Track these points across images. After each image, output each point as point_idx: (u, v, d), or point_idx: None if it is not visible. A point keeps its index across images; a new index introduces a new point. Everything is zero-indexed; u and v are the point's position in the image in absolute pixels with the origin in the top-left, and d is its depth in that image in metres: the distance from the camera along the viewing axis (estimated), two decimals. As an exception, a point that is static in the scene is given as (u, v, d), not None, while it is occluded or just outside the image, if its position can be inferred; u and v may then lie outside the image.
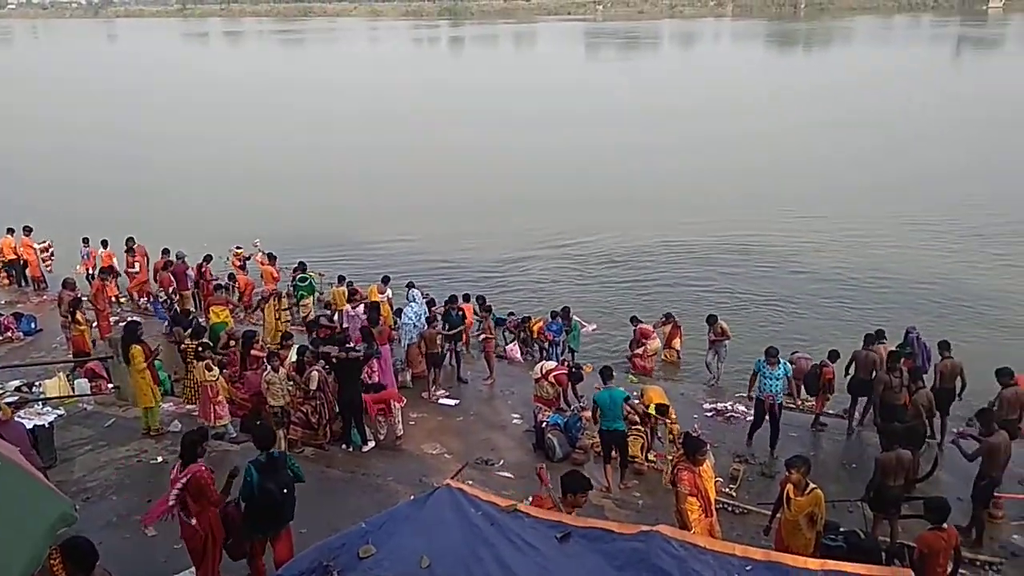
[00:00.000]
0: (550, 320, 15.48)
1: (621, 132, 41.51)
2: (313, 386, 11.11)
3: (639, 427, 11.08)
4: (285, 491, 7.28)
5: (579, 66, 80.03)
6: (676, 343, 15.66)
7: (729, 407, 13.14)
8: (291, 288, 17.13)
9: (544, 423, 11.56)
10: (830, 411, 12.82)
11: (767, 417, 11.42)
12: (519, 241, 24.42)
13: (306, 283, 17.15)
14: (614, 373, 10.76)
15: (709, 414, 12.96)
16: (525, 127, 44.71)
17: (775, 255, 22.33)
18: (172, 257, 17.61)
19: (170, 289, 17.31)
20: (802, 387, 12.79)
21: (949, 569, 7.10)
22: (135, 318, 14.71)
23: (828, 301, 18.95)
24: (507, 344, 16.12)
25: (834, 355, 12.60)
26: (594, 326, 16.36)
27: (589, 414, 11.31)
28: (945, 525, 7.06)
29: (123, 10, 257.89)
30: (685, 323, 16.12)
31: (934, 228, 24.32)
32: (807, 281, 20.29)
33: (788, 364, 11.39)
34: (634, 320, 15.77)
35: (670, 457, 9.89)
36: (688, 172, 33.05)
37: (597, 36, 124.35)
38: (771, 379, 11.12)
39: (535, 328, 15.64)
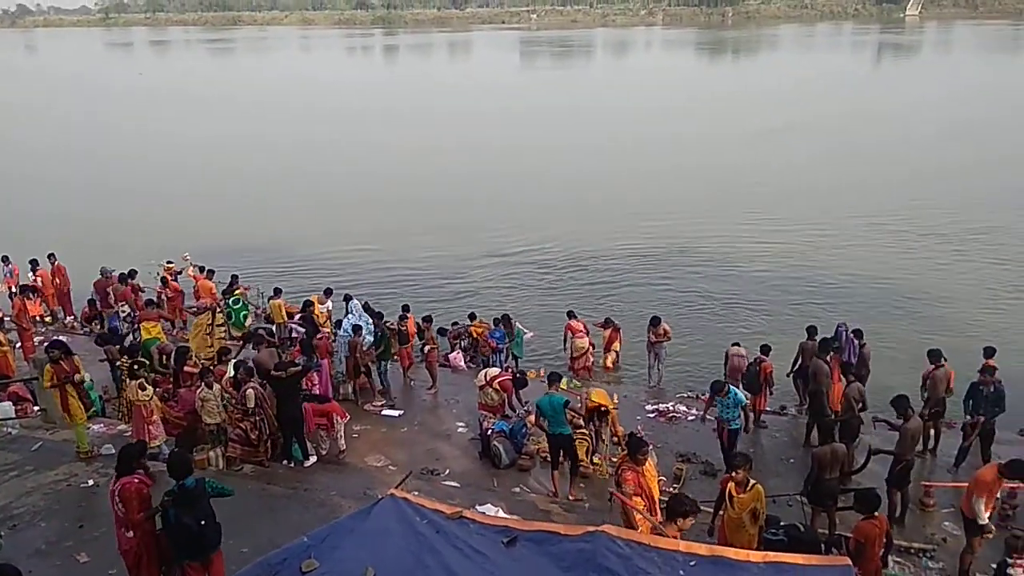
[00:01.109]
0: (493, 327, 15.46)
1: (555, 136, 42.05)
2: (251, 404, 10.85)
3: (583, 430, 11.15)
4: (203, 523, 6.98)
5: (514, 72, 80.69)
6: (616, 346, 15.75)
7: (671, 407, 13.34)
8: (224, 310, 16.56)
9: (490, 430, 11.54)
10: (768, 408, 13.13)
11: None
12: (460, 248, 24.39)
13: (239, 304, 16.70)
14: (560, 377, 10.82)
15: (651, 415, 13.14)
16: (462, 130, 44.87)
17: (713, 257, 22.85)
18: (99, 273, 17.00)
19: (127, 302, 16.57)
20: (740, 384, 13.08)
21: (881, 554, 7.37)
22: (59, 338, 14.09)
23: (766, 300, 19.44)
24: (450, 352, 16.04)
25: (766, 349, 12.92)
26: (532, 333, 16.33)
27: (534, 419, 11.34)
28: (876, 514, 7.32)
29: (42, 19, 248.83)
30: (628, 326, 16.29)
31: (873, 228, 25.19)
32: (747, 282, 20.77)
33: (740, 394, 11.16)
34: (570, 314, 15.56)
35: (614, 459, 9.99)
36: (624, 175, 33.74)
37: (532, 44, 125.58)
38: (723, 407, 10.96)
39: (477, 333, 15.59)
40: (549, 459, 10.61)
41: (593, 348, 15.28)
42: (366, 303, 15.55)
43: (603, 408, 11.09)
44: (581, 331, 15.10)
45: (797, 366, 13.17)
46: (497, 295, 20.54)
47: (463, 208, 29.12)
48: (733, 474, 7.93)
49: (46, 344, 12.00)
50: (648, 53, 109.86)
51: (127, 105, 60.30)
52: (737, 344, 13.82)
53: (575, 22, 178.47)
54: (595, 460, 11.23)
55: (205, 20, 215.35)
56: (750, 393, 12.63)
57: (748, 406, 11.62)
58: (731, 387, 11.03)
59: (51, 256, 18.20)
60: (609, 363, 15.51)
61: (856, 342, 13.07)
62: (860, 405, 10.98)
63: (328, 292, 16.40)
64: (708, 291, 20.26)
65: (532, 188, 31.86)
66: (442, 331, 15.80)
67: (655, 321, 14.90)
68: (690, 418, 12.91)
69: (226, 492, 7.35)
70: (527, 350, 16.11)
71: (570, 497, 10.39)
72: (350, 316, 14.40)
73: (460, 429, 12.62)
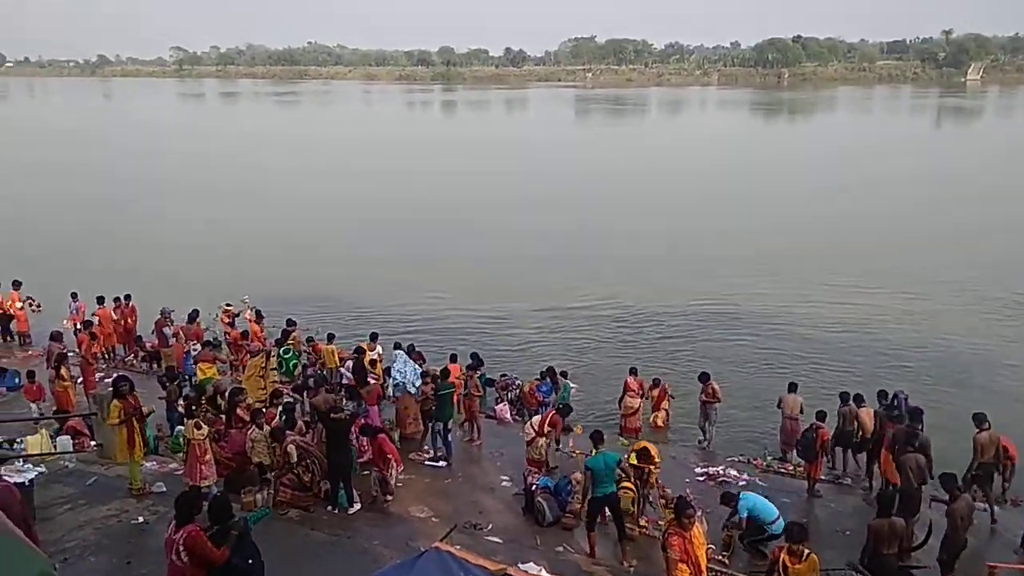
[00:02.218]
0: (540, 381, 15.41)
1: (616, 192, 42.21)
2: (294, 460, 10.95)
3: (628, 483, 10.98)
4: (251, 561, 7.03)
5: (569, 128, 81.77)
6: (664, 405, 15.54)
7: (721, 471, 13.01)
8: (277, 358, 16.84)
9: (534, 486, 11.41)
10: (823, 476, 12.73)
11: None
12: (510, 300, 24.47)
13: (289, 354, 16.96)
14: (604, 436, 10.70)
15: (701, 478, 12.83)
16: (520, 184, 45.49)
17: (777, 317, 22.42)
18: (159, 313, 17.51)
19: (196, 342, 17.01)
20: (794, 451, 12.74)
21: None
22: (123, 374, 14.47)
23: (823, 363, 18.99)
24: (496, 404, 16.00)
25: (822, 415, 12.54)
26: (575, 386, 16.22)
27: (580, 476, 11.22)
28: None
29: (119, 69, 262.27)
30: (686, 385, 16.03)
31: (927, 291, 24.60)
32: (814, 344, 20.31)
33: (755, 505, 10.28)
34: (632, 371, 15.44)
35: (662, 522, 9.76)
36: (688, 232, 33.39)
37: (587, 101, 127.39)
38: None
39: (526, 389, 15.55)
40: (586, 521, 10.27)
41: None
42: (411, 345, 15.67)
43: (643, 452, 10.93)
44: (635, 391, 14.98)
45: (840, 431, 12.77)
46: (550, 348, 20.49)
47: (518, 260, 29.28)
48: (789, 544, 7.66)
49: (113, 379, 12.29)
50: (705, 112, 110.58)
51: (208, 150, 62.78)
52: (787, 406, 13.52)
53: (630, 81, 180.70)
54: (642, 523, 10.99)
55: (273, 73, 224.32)
56: (805, 460, 12.30)
57: (802, 471, 11.29)
58: (739, 500, 10.31)
59: (127, 297, 18.79)
60: (659, 422, 15.29)
61: (914, 411, 12.61)
62: (921, 477, 10.56)
63: (374, 337, 16.59)
64: (770, 350, 19.93)
65: (592, 242, 31.84)
66: (490, 382, 15.79)
67: (704, 377, 14.68)
68: (741, 483, 12.55)
69: (265, 514, 7.34)
70: (573, 403, 15.96)
71: (625, 564, 9.98)
72: (395, 364, 14.44)
73: (504, 483, 12.49)
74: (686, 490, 11.48)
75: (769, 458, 13.70)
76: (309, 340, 16.67)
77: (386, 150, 62.73)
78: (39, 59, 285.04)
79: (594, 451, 10.07)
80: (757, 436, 15.04)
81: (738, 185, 44.32)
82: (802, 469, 12.68)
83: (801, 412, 13.50)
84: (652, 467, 11.07)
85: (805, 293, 24.53)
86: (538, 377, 15.81)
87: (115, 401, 11.14)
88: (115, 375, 12.92)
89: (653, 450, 11.31)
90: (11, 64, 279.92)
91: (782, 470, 13.28)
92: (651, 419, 15.36)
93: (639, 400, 15.00)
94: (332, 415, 11.16)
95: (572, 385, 15.84)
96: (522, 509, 11.46)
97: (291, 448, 10.93)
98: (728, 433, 15.27)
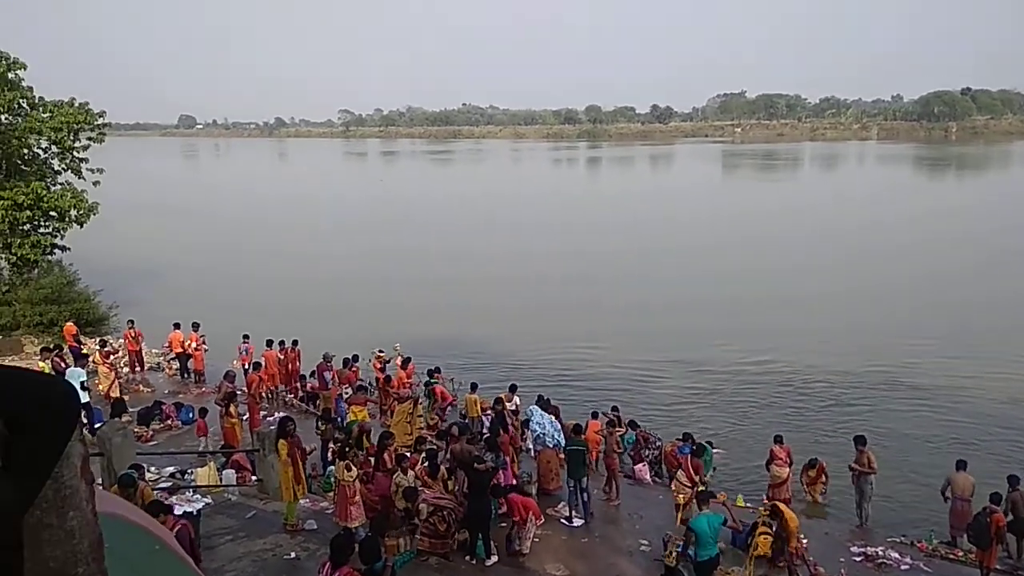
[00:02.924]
0: (681, 443, 14.98)
1: (772, 253, 40.78)
2: (424, 516, 11.20)
3: (768, 526, 10.52)
4: None
5: (716, 180, 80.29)
6: (819, 486, 14.60)
7: (880, 552, 12.02)
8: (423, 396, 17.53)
9: (674, 553, 11.02)
10: (997, 566, 11.48)
11: None
12: (663, 353, 24.03)
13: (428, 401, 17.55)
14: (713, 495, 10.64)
15: (857, 558, 11.90)
16: (667, 238, 45.09)
17: (943, 391, 20.48)
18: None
19: (348, 386, 18.07)
20: (964, 536, 11.60)
21: None
22: (287, 414, 15.38)
23: (998, 440, 17.25)
24: (635, 464, 15.67)
25: (997, 498, 11.40)
26: (722, 451, 15.63)
27: (722, 545, 10.89)
28: None
29: (293, 130, 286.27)
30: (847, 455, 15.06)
31: None
32: (979, 421, 18.44)
33: None
34: (777, 439, 14.65)
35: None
36: (843, 295, 31.50)
37: (737, 156, 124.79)
38: None
39: (667, 449, 15.17)
40: None
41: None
42: (544, 398, 15.70)
43: (774, 508, 10.64)
44: (783, 460, 14.15)
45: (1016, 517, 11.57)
46: (698, 408, 19.91)
47: (676, 314, 28.70)
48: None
49: (279, 418, 13.09)
50: (866, 167, 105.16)
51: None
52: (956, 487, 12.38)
53: (781, 136, 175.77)
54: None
55: (430, 133, 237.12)
56: (977, 547, 11.17)
57: (973, 559, 10.25)
58: None
59: (294, 342, 20.04)
60: (817, 497, 14.41)
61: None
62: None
63: (513, 388, 16.81)
64: (942, 423, 18.32)
65: (750, 301, 30.64)
66: (632, 442, 15.51)
67: (861, 441, 13.62)
68: (904, 567, 11.54)
69: (409, 558, 7.54)
70: (720, 470, 15.39)
71: None
72: (534, 417, 14.45)
73: (643, 547, 12.15)
74: (841, 571, 10.71)
75: (936, 541, 12.54)
76: (497, 401, 16.72)
77: (530, 203, 64.15)
78: (225, 121, 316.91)
79: (698, 512, 9.87)
80: (922, 517, 13.78)
81: (916, 244, 41.39)
82: (974, 556, 11.52)
83: (972, 494, 12.32)
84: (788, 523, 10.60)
85: (998, 368, 22.05)
86: (679, 438, 15.37)
87: (282, 440, 11.86)
88: (281, 415, 13.75)
89: (787, 513, 10.83)
90: (201, 126, 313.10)
91: (951, 555, 12.11)
92: (805, 494, 14.50)
93: (787, 469, 14.18)
94: (475, 465, 11.36)
95: (716, 450, 15.28)
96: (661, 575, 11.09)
97: (422, 507, 11.21)
98: (889, 511, 14.12)
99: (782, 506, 11.23)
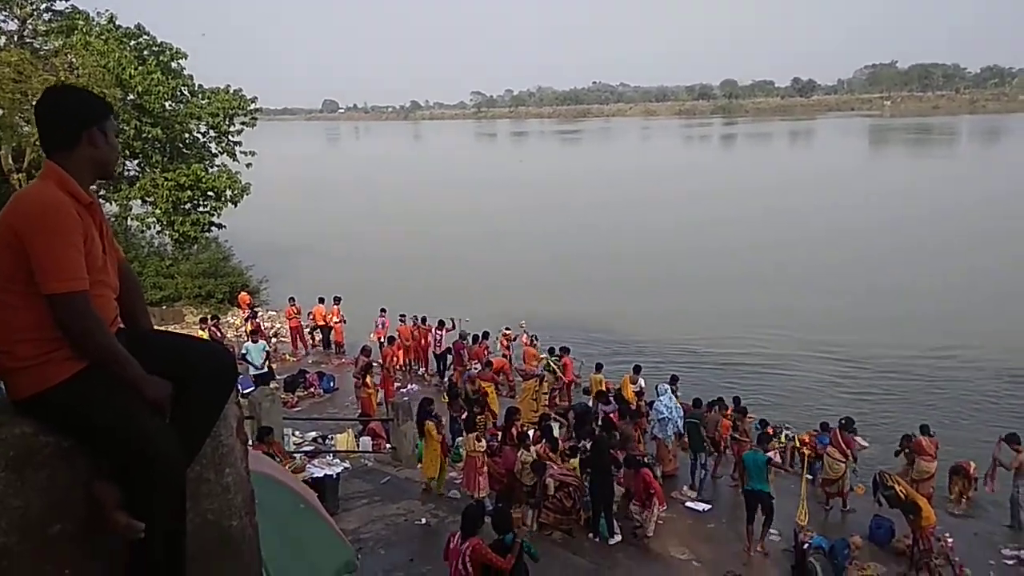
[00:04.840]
0: (819, 432, 14.35)
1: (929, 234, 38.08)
2: (551, 492, 11.30)
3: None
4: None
5: (864, 159, 75.54)
6: (969, 493, 13.56)
7: (1037, 557, 11.11)
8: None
9: (807, 544, 10.65)
10: None
11: None
12: (786, 341, 23.12)
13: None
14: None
15: (1009, 561, 11.05)
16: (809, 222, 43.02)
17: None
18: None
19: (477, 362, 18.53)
20: None
21: None
22: (428, 396, 15.48)
23: None
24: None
25: None
26: (866, 444, 14.76)
27: (859, 540, 10.49)
28: None
29: (428, 113, 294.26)
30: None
31: None
32: None
33: None
34: (923, 429, 13.61)
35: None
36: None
37: (886, 130, 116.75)
38: None
39: (805, 439, 14.55)
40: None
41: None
42: (674, 376, 15.56)
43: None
44: (929, 454, 13.18)
45: None
46: (822, 396, 19.05)
47: (819, 298, 27.52)
48: None
49: (420, 401, 13.48)
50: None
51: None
52: None
53: (936, 108, 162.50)
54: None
55: (559, 113, 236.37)
56: None
57: None
58: None
59: (423, 319, 20.59)
60: (963, 503, 13.45)
61: None
62: None
63: (637, 369, 16.69)
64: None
65: (891, 285, 28.95)
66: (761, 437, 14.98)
67: (1013, 439, 12.58)
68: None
69: (534, 556, 7.72)
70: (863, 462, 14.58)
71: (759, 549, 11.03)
72: (662, 399, 14.27)
73: (772, 536, 11.79)
74: (990, 574, 9.98)
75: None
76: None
77: (661, 180, 62.77)
78: (364, 105, 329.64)
79: (752, 448, 11.03)
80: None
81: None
82: None
83: None
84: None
85: None
86: (816, 429, 14.71)
87: (428, 421, 12.28)
88: (421, 397, 14.22)
89: (926, 508, 10.58)
90: (343, 110, 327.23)
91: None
92: (951, 495, 13.56)
93: (935, 464, 13.26)
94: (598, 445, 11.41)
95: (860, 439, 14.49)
96: (791, 567, 10.73)
97: (549, 481, 11.33)
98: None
99: (921, 501, 10.60)
